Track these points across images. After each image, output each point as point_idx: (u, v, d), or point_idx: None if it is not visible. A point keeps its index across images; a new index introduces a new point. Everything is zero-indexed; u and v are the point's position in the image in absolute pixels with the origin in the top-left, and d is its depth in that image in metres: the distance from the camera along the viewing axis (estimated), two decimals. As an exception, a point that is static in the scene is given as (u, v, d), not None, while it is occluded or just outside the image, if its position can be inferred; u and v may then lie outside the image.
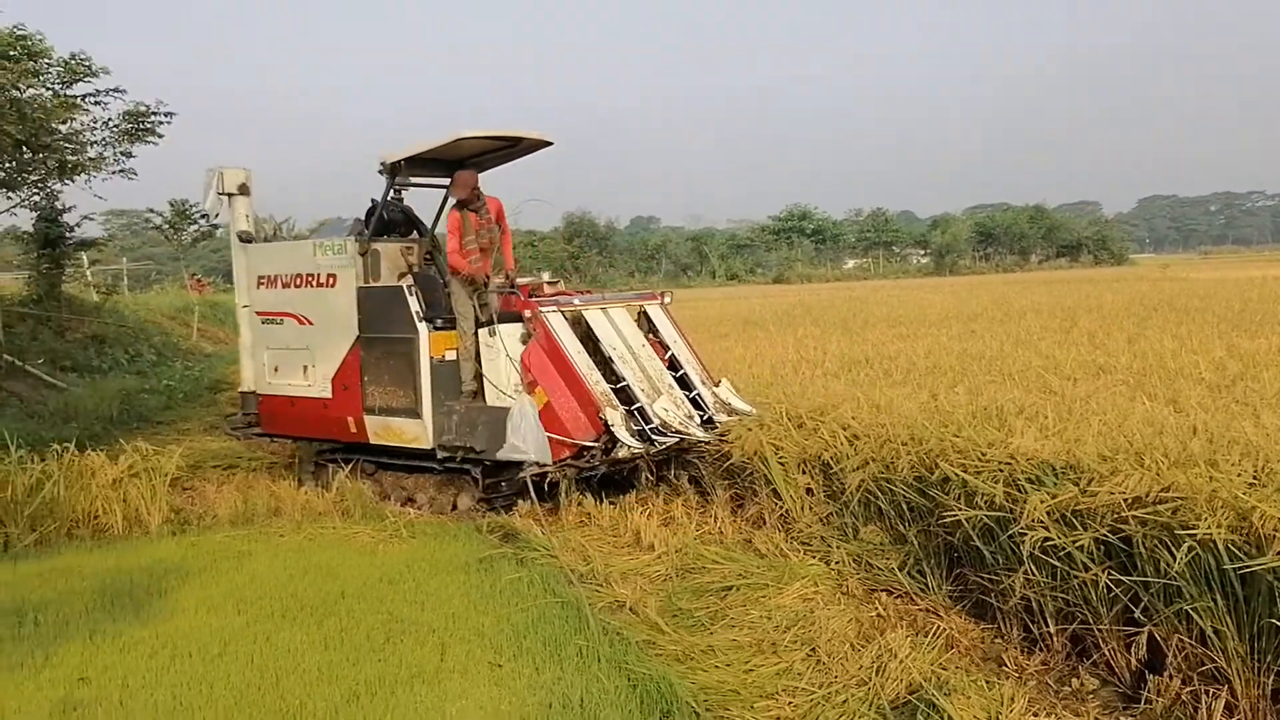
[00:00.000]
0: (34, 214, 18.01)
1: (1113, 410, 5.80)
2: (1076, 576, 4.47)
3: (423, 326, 7.83)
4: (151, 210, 33.45)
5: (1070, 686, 4.42)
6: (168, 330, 22.19)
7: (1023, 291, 24.27)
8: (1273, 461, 4.26)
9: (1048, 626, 4.72)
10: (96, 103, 15.08)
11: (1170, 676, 4.15)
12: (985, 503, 4.90)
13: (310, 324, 8.63)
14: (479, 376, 7.70)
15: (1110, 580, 4.35)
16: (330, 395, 8.50)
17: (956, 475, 5.11)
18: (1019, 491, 4.74)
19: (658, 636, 5.09)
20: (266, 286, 8.96)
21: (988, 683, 4.26)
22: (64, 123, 14.62)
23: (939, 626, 4.98)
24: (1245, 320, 12.03)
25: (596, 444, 7.13)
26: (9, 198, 16.18)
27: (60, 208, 18.28)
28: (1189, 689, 4.08)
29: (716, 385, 7.90)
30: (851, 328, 14.54)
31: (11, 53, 13.17)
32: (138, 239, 56.54)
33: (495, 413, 7.46)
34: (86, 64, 14.52)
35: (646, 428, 7.17)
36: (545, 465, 7.09)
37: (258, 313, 9.09)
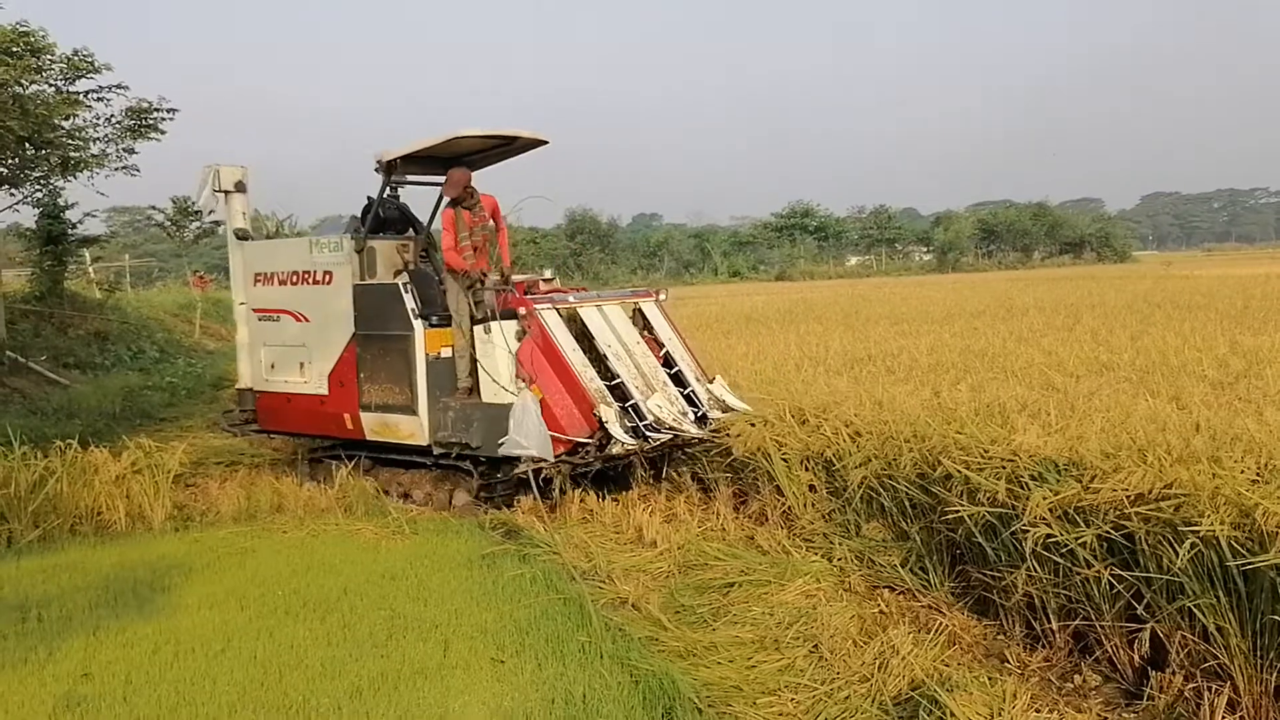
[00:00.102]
0: (37, 211, 18.07)
1: (1115, 407, 5.79)
2: (1079, 573, 4.47)
3: (418, 323, 7.86)
4: (154, 207, 33.49)
5: (1073, 683, 4.42)
6: (170, 327, 22.22)
7: (1025, 288, 24.24)
8: (1276, 458, 4.25)
9: (1050, 623, 4.72)
10: (99, 99, 15.07)
11: (1173, 673, 4.15)
12: (988, 499, 4.90)
13: (307, 321, 8.66)
14: (474, 373, 7.72)
15: (1113, 577, 4.35)
16: (327, 392, 8.53)
17: (959, 472, 5.11)
18: (1021, 488, 4.74)
19: (660, 633, 5.10)
20: (263, 284, 8.99)
21: (990, 679, 4.26)
22: (66, 119, 14.61)
23: (941, 623, 4.98)
24: (1248, 317, 12.02)
25: (591, 440, 7.16)
26: (12, 194, 16.19)
27: (63, 204, 18.34)
28: (1191, 685, 4.08)
29: (711, 382, 7.93)
30: (854, 325, 14.53)
31: (14, 49, 13.15)
32: (140, 236, 56.56)
33: (491, 409, 7.49)
34: (89, 60, 14.51)
35: (640, 424, 7.20)
36: (544, 461, 7.10)
37: (254, 310, 9.12)
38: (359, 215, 8.61)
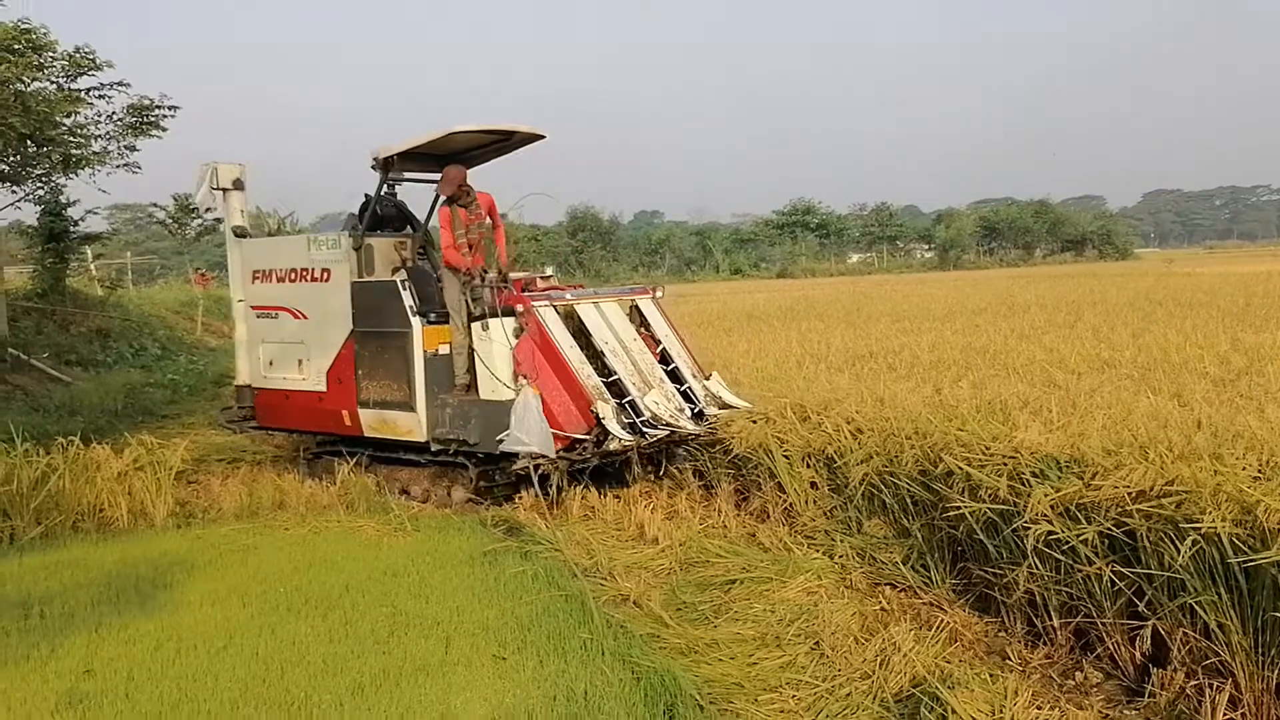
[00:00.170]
0: (38, 208, 18.08)
1: (1117, 404, 5.79)
2: (1080, 570, 4.46)
3: (416, 321, 7.88)
4: (155, 205, 33.53)
5: (1074, 680, 4.42)
6: (172, 324, 22.24)
7: (1027, 286, 24.22)
8: (1277, 455, 4.24)
9: (1051, 620, 4.72)
10: (100, 96, 15.09)
11: (1174, 670, 4.15)
12: (989, 496, 4.89)
13: (305, 318, 8.67)
14: (472, 370, 7.73)
15: (1114, 574, 4.35)
16: (325, 389, 8.56)
17: (960, 469, 5.10)
18: (1023, 485, 4.74)
19: (662, 630, 5.10)
20: (261, 281, 9.01)
21: (991, 676, 4.26)
22: (68, 116, 14.62)
23: (943, 620, 4.99)
24: (1250, 314, 12.01)
25: (588, 437, 7.18)
26: (13, 192, 16.22)
27: (64, 202, 18.35)
28: (1193, 683, 4.08)
29: (707, 378, 7.95)
30: (855, 322, 14.53)
31: (16, 46, 13.16)
32: (142, 233, 56.59)
33: (488, 406, 7.51)
34: (90, 58, 14.51)
35: (637, 420, 7.21)
36: (542, 457, 7.11)
37: (253, 307, 9.15)
38: (356, 213, 8.63)
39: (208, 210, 9.97)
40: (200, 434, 11.00)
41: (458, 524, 7.38)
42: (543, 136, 8.66)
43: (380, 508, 7.77)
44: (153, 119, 16.01)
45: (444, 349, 7.89)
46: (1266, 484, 3.97)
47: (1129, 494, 4.28)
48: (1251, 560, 3.80)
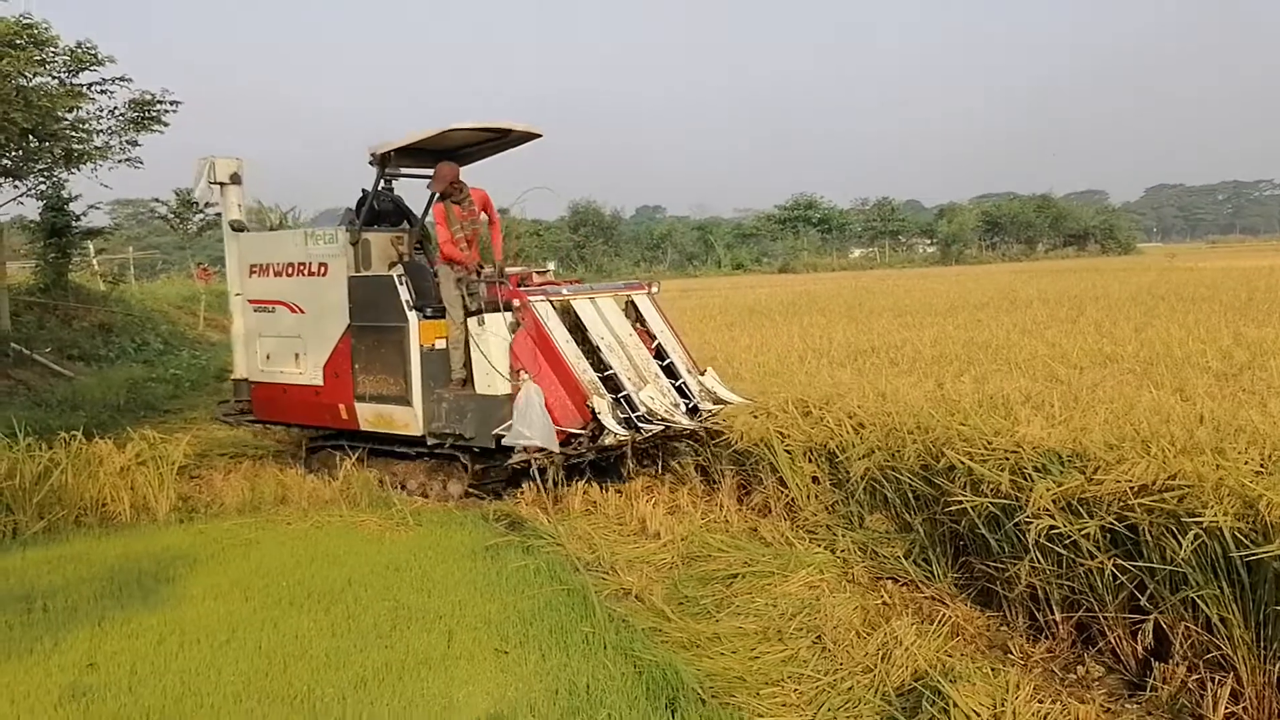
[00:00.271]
0: (40, 203, 18.09)
1: (1119, 399, 5.79)
2: (1082, 564, 4.47)
3: (413, 315, 7.90)
4: (157, 200, 33.49)
5: (1076, 674, 4.42)
6: (174, 319, 22.25)
7: (1029, 281, 24.20)
8: (1280, 449, 4.25)
9: (1053, 614, 4.72)
10: (102, 91, 15.08)
11: (1176, 664, 4.15)
12: (991, 491, 4.89)
13: (302, 312, 8.70)
14: (468, 365, 7.75)
15: (1116, 568, 4.35)
16: (322, 383, 8.57)
17: (962, 463, 5.10)
18: (1025, 480, 4.74)
19: (664, 624, 5.11)
20: (259, 275, 9.03)
21: (993, 670, 4.27)
22: (70, 111, 14.62)
23: (944, 614, 4.99)
24: (1252, 309, 12.00)
25: (584, 431, 7.19)
26: (16, 186, 16.22)
27: (66, 197, 18.35)
28: (1195, 676, 4.08)
29: (702, 374, 7.96)
30: (857, 317, 14.53)
31: (18, 41, 13.16)
32: (144, 228, 56.57)
33: (484, 400, 7.55)
34: (92, 53, 14.51)
35: (633, 415, 7.23)
36: (540, 452, 7.12)
37: (250, 301, 9.16)
38: (354, 208, 8.65)
39: (207, 205, 9.99)
40: (202, 429, 11.02)
41: (459, 519, 7.39)
42: (538, 135, 8.68)
43: (382, 503, 7.78)
44: (154, 114, 16.01)
45: (440, 344, 7.91)
46: (1269, 478, 3.97)
47: (1131, 488, 4.28)
48: (1253, 554, 3.80)
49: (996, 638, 4.86)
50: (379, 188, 8.58)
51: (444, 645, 4.84)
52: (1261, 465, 4.14)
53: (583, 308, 7.76)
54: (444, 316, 7.88)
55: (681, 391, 7.75)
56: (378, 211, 8.76)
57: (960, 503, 5.02)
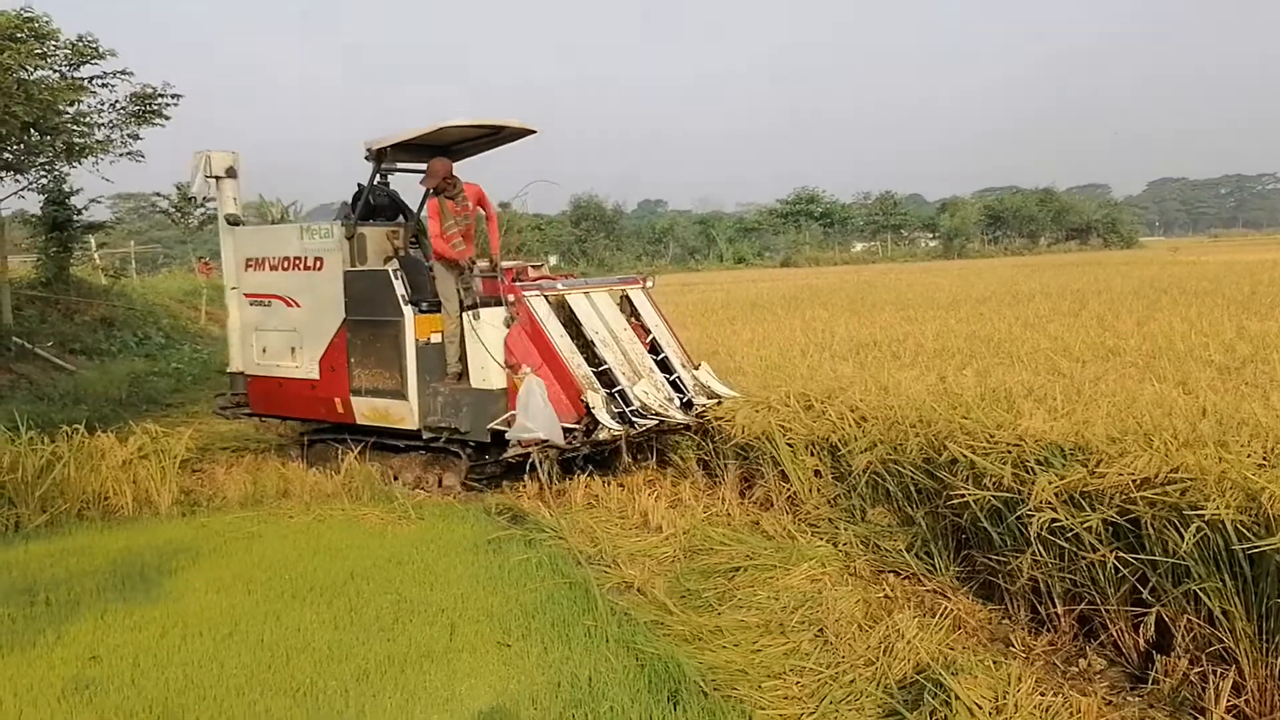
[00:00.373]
0: (42, 197, 18.06)
1: (1122, 392, 5.78)
2: (1084, 557, 4.47)
3: (408, 309, 7.93)
4: (158, 194, 33.48)
5: (1078, 667, 4.43)
6: (176, 313, 22.23)
7: (1031, 274, 24.16)
8: (1283, 443, 4.24)
9: (1055, 607, 4.72)
10: (103, 85, 15.07)
11: (1178, 657, 4.15)
12: (993, 484, 4.89)
13: (298, 306, 8.71)
14: (464, 359, 7.76)
15: (1118, 561, 4.35)
16: (318, 376, 8.60)
17: (964, 457, 5.10)
18: (1027, 473, 4.74)
19: (666, 617, 5.11)
20: (254, 269, 9.05)
21: (995, 663, 4.26)
22: (71, 105, 14.61)
23: (946, 607, 4.99)
24: (1255, 303, 11.97)
25: (578, 426, 7.20)
26: (17, 180, 16.21)
27: (68, 190, 18.32)
28: (1197, 669, 4.08)
29: (696, 369, 7.98)
30: (859, 311, 14.50)
31: (18, 34, 13.15)
32: (145, 222, 56.48)
33: (479, 394, 7.57)
34: (93, 46, 14.49)
35: (627, 410, 7.24)
36: (534, 445, 7.12)
37: (246, 295, 9.17)
38: (349, 202, 8.67)
39: (206, 199, 10.00)
40: (204, 422, 11.02)
41: (461, 512, 7.40)
42: (533, 131, 8.70)
43: (384, 496, 7.78)
44: (155, 107, 15.99)
45: (436, 338, 7.93)
46: (1271, 471, 3.97)
47: (1133, 481, 4.27)
48: (1256, 547, 3.80)
49: (998, 631, 4.87)
50: (374, 182, 8.60)
51: (446, 638, 4.85)
52: (1264, 458, 4.14)
53: (577, 302, 7.78)
54: (439, 311, 7.89)
55: (676, 386, 7.77)
56: (373, 206, 8.78)
57: (962, 496, 5.02)
